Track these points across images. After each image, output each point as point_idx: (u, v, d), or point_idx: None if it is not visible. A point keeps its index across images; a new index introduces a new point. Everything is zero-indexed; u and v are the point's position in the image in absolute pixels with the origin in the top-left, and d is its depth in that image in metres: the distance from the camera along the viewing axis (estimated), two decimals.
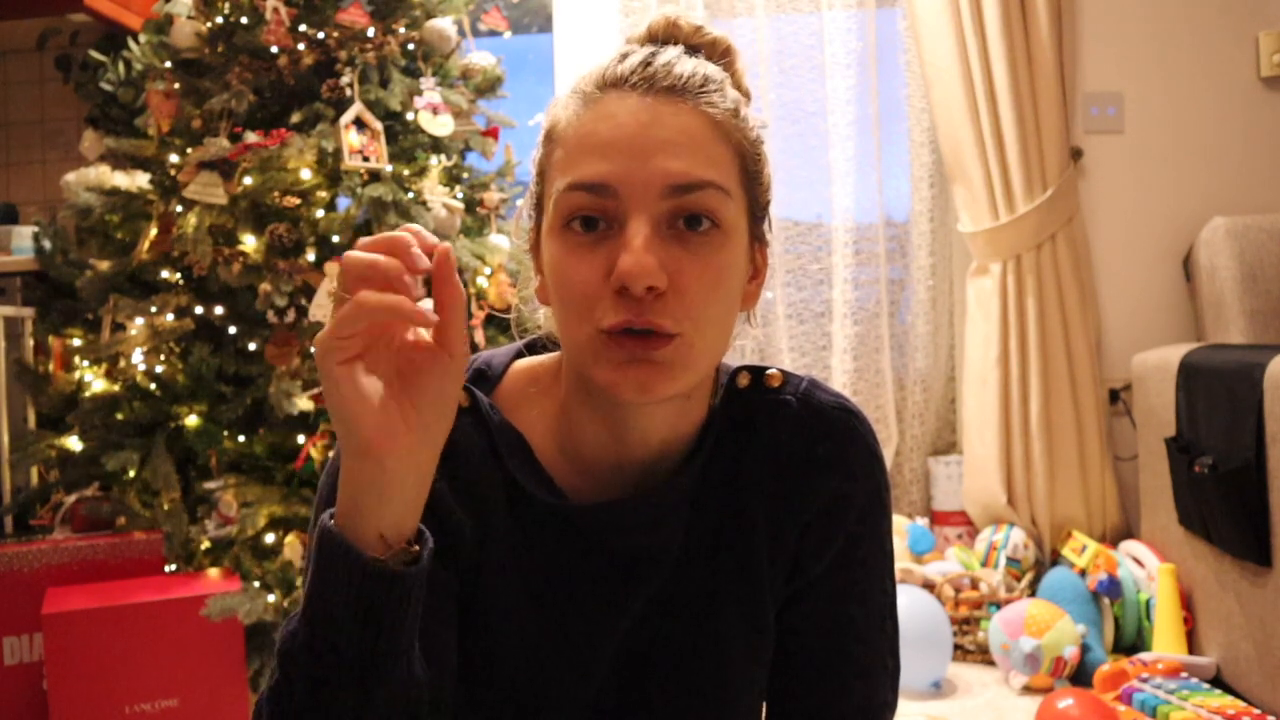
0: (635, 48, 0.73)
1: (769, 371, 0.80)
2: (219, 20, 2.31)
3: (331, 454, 0.77)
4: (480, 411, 0.76)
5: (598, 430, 0.75)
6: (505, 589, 0.75)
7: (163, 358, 2.21)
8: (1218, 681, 2.04)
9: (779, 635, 0.80)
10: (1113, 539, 2.61)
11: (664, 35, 0.75)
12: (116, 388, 2.21)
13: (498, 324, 2.34)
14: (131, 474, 2.15)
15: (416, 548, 0.63)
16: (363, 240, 0.60)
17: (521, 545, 0.75)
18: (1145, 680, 1.97)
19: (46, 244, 2.52)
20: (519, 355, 0.83)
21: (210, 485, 2.10)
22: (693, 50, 0.74)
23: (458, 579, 0.74)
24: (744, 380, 0.80)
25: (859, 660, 0.79)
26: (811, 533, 0.78)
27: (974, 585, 2.41)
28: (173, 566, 2.14)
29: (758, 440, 0.78)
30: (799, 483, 0.78)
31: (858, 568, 0.79)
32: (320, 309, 2.10)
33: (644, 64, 0.70)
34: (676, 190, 0.67)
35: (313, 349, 0.59)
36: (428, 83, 2.33)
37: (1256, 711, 1.81)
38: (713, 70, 0.72)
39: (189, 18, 2.33)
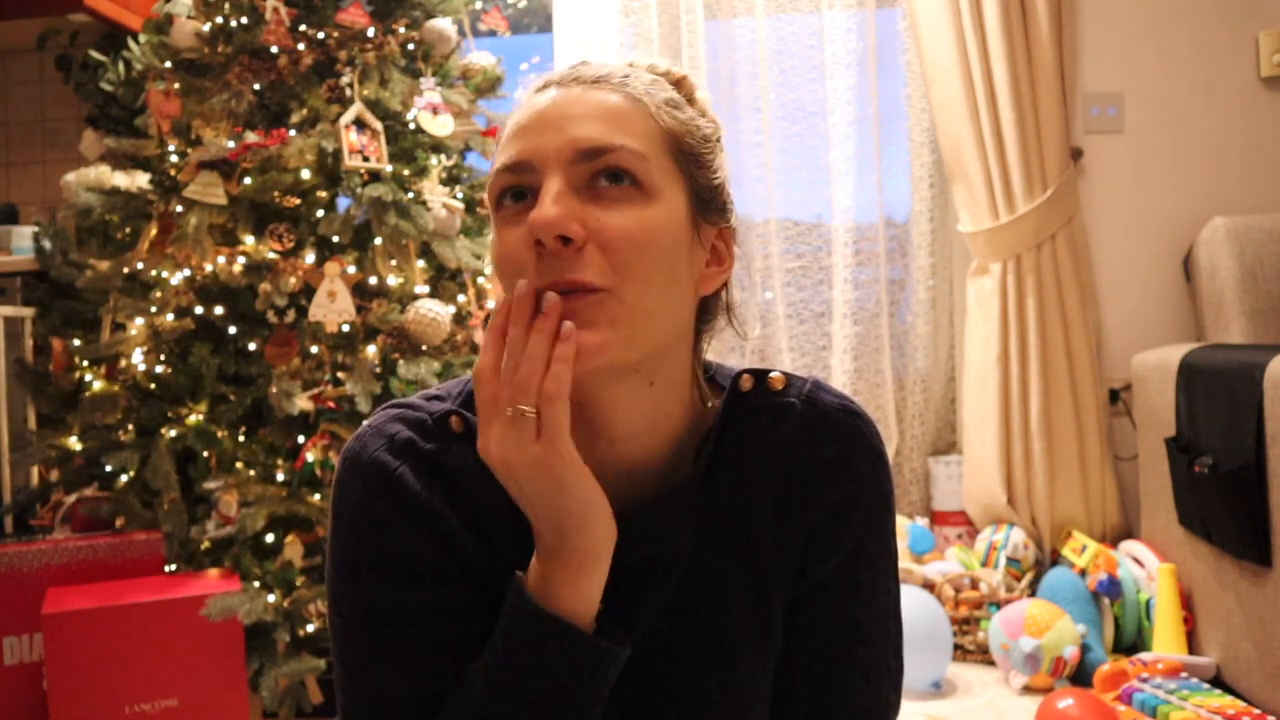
0: None
1: (772, 374, 0.80)
2: (219, 20, 2.31)
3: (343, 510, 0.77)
4: (474, 436, 0.75)
5: (578, 436, 0.72)
6: None
7: (163, 358, 2.21)
8: (1218, 681, 2.04)
9: (783, 636, 0.80)
10: (1113, 539, 2.61)
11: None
12: (116, 388, 2.21)
13: None
14: (131, 474, 2.15)
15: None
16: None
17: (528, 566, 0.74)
18: (1145, 680, 1.97)
19: (46, 244, 2.52)
20: None
21: (210, 485, 2.10)
22: None
23: (483, 601, 0.74)
24: (747, 383, 0.79)
25: (863, 662, 0.78)
26: (818, 536, 0.77)
27: (974, 585, 2.41)
28: (173, 566, 2.14)
29: (762, 444, 0.78)
30: (805, 486, 0.77)
31: (864, 570, 0.79)
32: (320, 309, 2.10)
33: (572, 66, 0.76)
34: (586, 154, 0.70)
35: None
36: (428, 83, 2.33)
37: (1256, 711, 1.81)
38: (649, 77, 0.76)
39: (189, 18, 2.33)
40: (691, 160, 0.75)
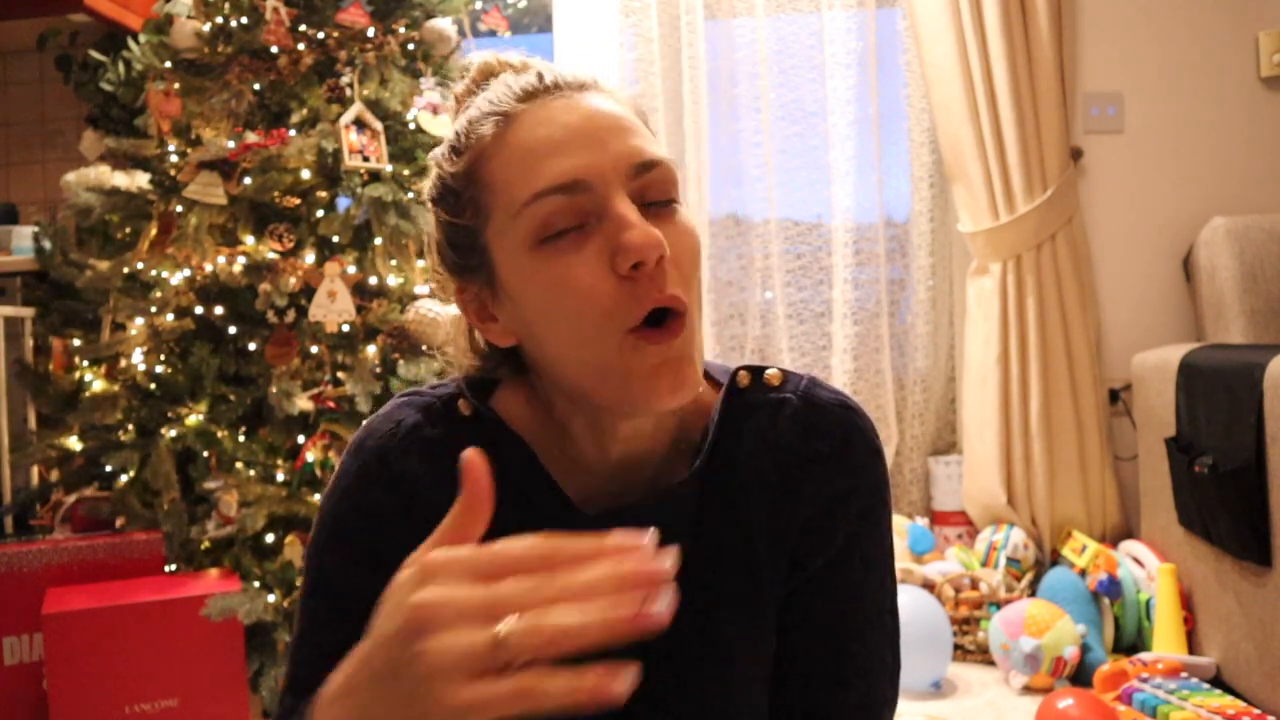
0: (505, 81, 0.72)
1: (768, 371, 0.80)
2: (219, 20, 2.31)
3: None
4: (482, 421, 0.76)
5: (587, 436, 0.74)
6: None
7: (163, 358, 2.21)
8: (1218, 681, 2.04)
9: (779, 632, 0.79)
10: (1113, 539, 2.61)
11: (497, 69, 0.77)
12: (116, 388, 2.21)
13: None
14: (131, 474, 2.15)
15: None
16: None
17: None
18: (1145, 680, 1.97)
19: (46, 244, 2.52)
20: None
21: (210, 485, 2.10)
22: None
23: None
24: (744, 379, 0.80)
25: (859, 657, 0.78)
26: (812, 530, 0.77)
27: (974, 585, 2.41)
28: (173, 566, 2.14)
29: (759, 439, 0.78)
30: (800, 480, 0.77)
31: (858, 565, 0.79)
32: (320, 309, 2.10)
33: (539, 75, 0.70)
34: (642, 168, 0.67)
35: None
36: (428, 83, 2.33)
37: (1256, 711, 1.81)
38: (588, 76, 0.73)
39: (189, 18, 2.33)
40: None
